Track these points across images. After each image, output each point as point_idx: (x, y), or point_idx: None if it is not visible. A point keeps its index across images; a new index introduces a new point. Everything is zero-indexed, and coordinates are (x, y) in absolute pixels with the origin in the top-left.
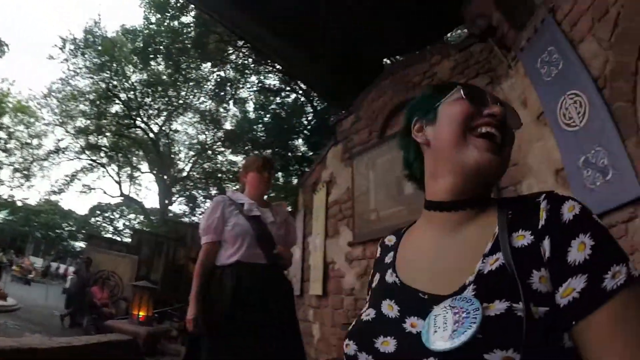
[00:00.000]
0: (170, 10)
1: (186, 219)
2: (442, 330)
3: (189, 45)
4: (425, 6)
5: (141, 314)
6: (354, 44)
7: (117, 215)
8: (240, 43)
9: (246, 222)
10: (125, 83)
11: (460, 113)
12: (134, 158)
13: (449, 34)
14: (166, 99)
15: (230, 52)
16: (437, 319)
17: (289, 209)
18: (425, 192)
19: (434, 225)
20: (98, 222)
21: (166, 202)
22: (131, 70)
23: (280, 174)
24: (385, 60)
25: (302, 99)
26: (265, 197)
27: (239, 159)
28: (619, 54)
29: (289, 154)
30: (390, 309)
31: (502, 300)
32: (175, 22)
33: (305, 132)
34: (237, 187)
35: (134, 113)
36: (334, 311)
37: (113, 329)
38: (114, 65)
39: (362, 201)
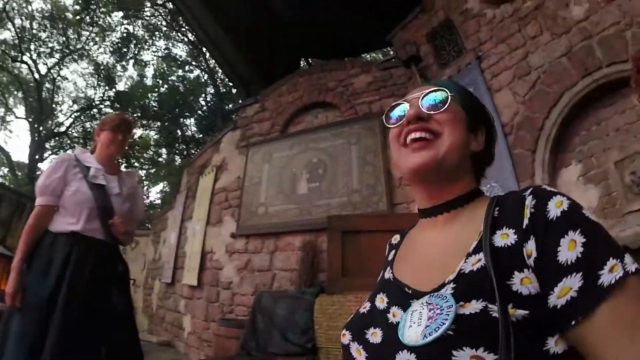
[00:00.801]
0: None
1: None
2: (416, 325)
3: None
4: (354, 20)
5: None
6: (277, 38)
7: None
8: (160, 1)
9: (89, 190)
10: (25, 8)
11: (391, 139)
12: (11, 99)
13: (366, 54)
14: (64, 38)
15: (147, 7)
16: (414, 314)
17: (140, 184)
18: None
19: (426, 229)
20: None
21: (37, 157)
22: None
23: (164, 150)
24: (303, 61)
25: (206, 77)
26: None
27: None
28: (530, 109)
29: (178, 131)
30: (381, 301)
31: (479, 301)
32: None
33: (200, 112)
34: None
35: (24, 45)
36: (209, 304)
37: None
38: None
39: (251, 193)
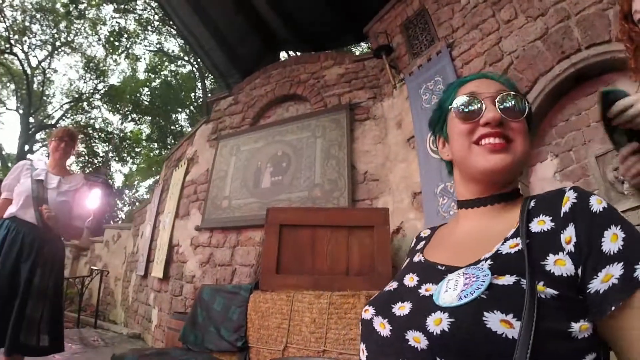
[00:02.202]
0: None
1: None
2: (452, 290)
3: None
4: (334, 13)
5: None
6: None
7: None
8: None
9: (30, 183)
10: (16, 0)
11: (459, 133)
12: (4, 91)
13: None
14: (55, 31)
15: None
16: (450, 282)
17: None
18: (456, 194)
19: (464, 220)
20: None
21: (26, 149)
22: None
23: (156, 144)
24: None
25: (197, 73)
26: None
27: (115, 118)
28: None
29: (171, 127)
30: (411, 280)
31: (512, 275)
32: None
33: (191, 108)
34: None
35: (15, 37)
36: (173, 297)
37: None
38: None
39: (217, 186)
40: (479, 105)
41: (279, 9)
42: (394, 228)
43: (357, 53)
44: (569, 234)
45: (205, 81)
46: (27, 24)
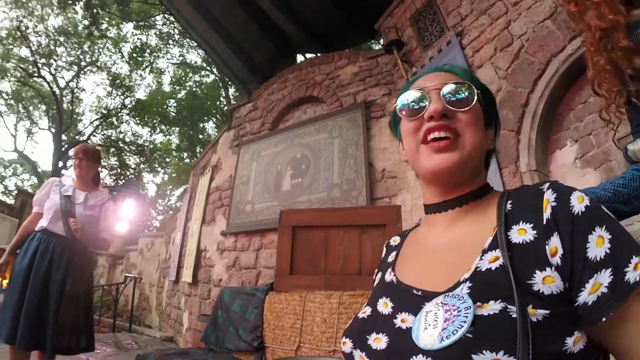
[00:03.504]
0: None
1: None
2: (432, 327)
3: None
4: (343, 12)
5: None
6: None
7: (10, 174)
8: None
9: (59, 199)
10: (40, 26)
11: (407, 133)
12: (35, 112)
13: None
14: (79, 52)
15: (157, 16)
16: (428, 315)
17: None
18: (423, 198)
19: (433, 227)
20: None
21: (60, 165)
22: (48, 12)
23: (185, 154)
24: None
25: (220, 82)
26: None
27: (144, 131)
28: (513, 83)
29: (199, 135)
30: (385, 306)
31: (497, 301)
32: None
33: (218, 116)
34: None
35: (42, 61)
36: (202, 301)
37: None
38: (31, 3)
39: (240, 191)
40: (423, 100)
41: (289, 14)
42: (412, 225)
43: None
44: (554, 245)
45: (229, 89)
46: (52, 47)
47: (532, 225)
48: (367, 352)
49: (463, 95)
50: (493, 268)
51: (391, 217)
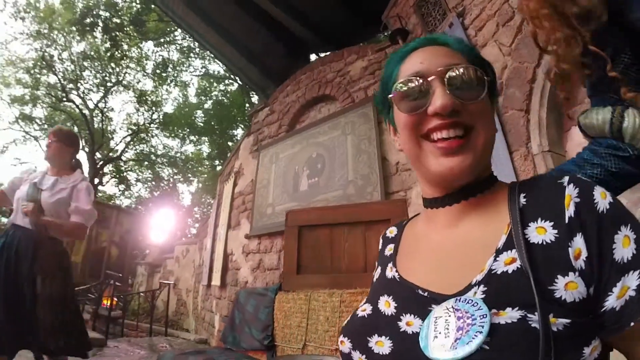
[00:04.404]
0: None
1: (118, 202)
2: (443, 336)
3: (125, 21)
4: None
5: None
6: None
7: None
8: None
9: (25, 188)
10: (63, 54)
11: (404, 126)
12: None
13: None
14: (104, 74)
15: (175, 32)
16: (438, 322)
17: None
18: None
19: (435, 221)
20: None
21: (96, 182)
22: (69, 41)
23: (217, 161)
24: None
25: (243, 89)
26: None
27: (175, 143)
28: (518, 59)
29: (228, 142)
30: (387, 305)
31: (515, 309)
32: None
33: (246, 122)
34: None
35: (70, 86)
36: (230, 303)
37: None
38: (53, 34)
39: (262, 194)
40: (425, 90)
41: (296, 17)
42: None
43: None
44: (577, 246)
45: (252, 95)
46: (77, 72)
47: (552, 223)
48: (368, 355)
49: (473, 83)
50: (510, 271)
51: (396, 212)
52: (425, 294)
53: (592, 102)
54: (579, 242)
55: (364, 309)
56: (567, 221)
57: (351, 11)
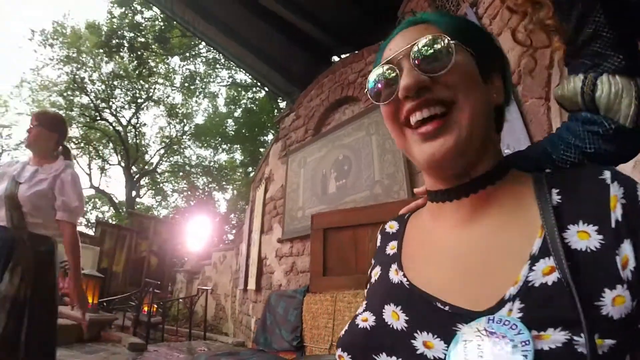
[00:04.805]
0: (133, 4)
1: (155, 212)
2: None
3: (150, 40)
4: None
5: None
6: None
7: (90, 207)
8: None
9: (6, 182)
10: (93, 75)
11: (385, 117)
12: (105, 150)
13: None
14: (134, 91)
15: (199, 45)
16: (468, 347)
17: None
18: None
19: (442, 218)
20: None
21: (133, 194)
22: (98, 62)
23: (250, 168)
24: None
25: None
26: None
27: (208, 152)
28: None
29: (260, 149)
30: (395, 317)
31: (558, 329)
32: (138, 17)
33: (275, 128)
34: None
35: (102, 105)
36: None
37: (61, 314)
38: (82, 57)
39: (292, 198)
40: (393, 75)
41: (310, 19)
42: None
43: None
44: (625, 254)
45: (279, 101)
46: (108, 91)
47: (596, 227)
48: None
49: (437, 52)
50: (549, 284)
51: None
52: (447, 308)
53: (568, 70)
54: (626, 249)
55: (365, 319)
56: (613, 225)
57: (364, 10)
